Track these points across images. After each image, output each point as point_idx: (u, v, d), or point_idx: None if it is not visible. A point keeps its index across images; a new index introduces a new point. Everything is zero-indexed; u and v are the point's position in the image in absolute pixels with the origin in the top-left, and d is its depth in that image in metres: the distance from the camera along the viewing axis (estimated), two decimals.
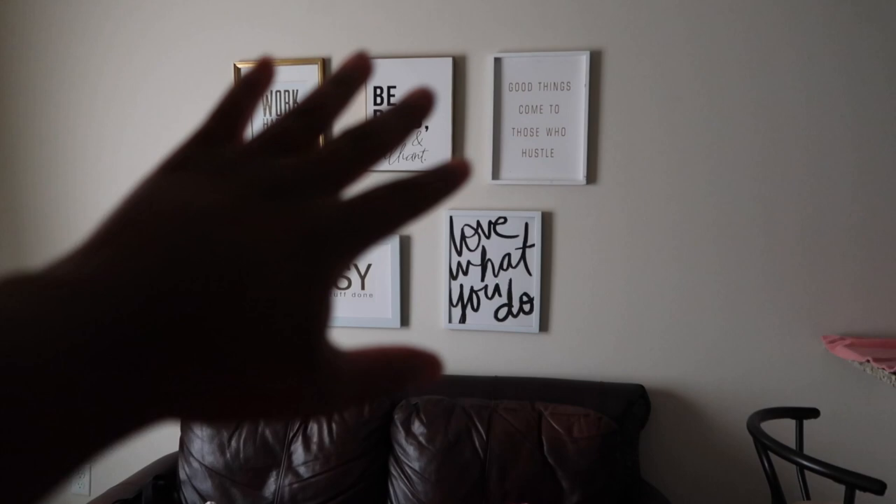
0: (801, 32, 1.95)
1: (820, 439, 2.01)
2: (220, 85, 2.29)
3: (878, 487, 1.38)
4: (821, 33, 1.94)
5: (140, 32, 2.31)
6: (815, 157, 1.98)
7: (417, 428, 1.92)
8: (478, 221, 2.16)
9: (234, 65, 2.26)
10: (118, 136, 2.37)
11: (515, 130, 2.14)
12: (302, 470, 1.93)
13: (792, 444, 1.93)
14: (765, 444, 1.59)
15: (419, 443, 1.90)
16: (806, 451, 1.96)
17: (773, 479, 1.63)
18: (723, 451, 2.08)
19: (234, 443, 1.98)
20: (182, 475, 2.02)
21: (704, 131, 2.03)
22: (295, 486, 1.91)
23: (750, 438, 2.04)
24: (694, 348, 2.08)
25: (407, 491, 1.88)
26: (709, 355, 2.07)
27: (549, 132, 2.12)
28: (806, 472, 1.93)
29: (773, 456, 1.64)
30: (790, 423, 1.99)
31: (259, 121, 2.26)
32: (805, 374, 2.02)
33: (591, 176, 2.10)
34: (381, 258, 2.23)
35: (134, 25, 2.31)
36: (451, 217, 2.17)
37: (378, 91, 2.18)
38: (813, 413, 1.89)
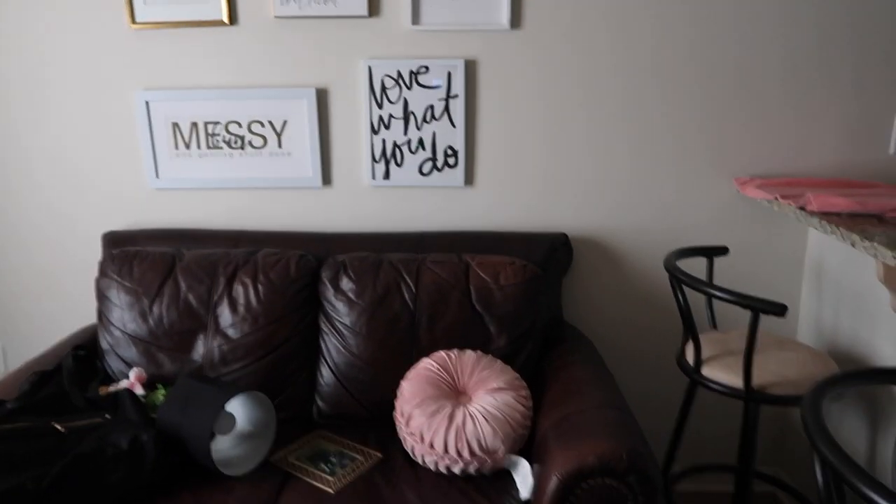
0: None
1: (729, 275, 2.15)
2: (109, 13, 1.99)
3: (779, 310, 1.49)
4: None
5: None
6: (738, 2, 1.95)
7: (346, 284, 1.91)
8: (398, 71, 2.05)
9: None
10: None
11: None
12: (230, 332, 1.90)
13: (703, 277, 2.05)
14: (678, 279, 1.68)
15: (348, 298, 1.90)
16: None
17: (686, 311, 1.74)
18: (640, 291, 2.19)
19: (155, 309, 1.92)
20: (104, 345, 1.96)
21: None
22: (224, 347, 1.89)
23: (665, 280, 2.16)
24: (613, 195, 2.12)
25: (339, 345, 1.90)
26: (627, 201, 2.13)
27: None
28: (714, 304, 2.08)
29: (686, 290, 1.74)
30: (703, 264, 2.11)
31: None
32: (717, 215, 2.11)
33: (516, 20, 2.01)
34: (297, 113, 2.10)
35: None
36: (369, 67, 2.05)
37: None
38: (722, 251, 2.01)
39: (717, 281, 2.14)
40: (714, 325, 2.02)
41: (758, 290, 2.15)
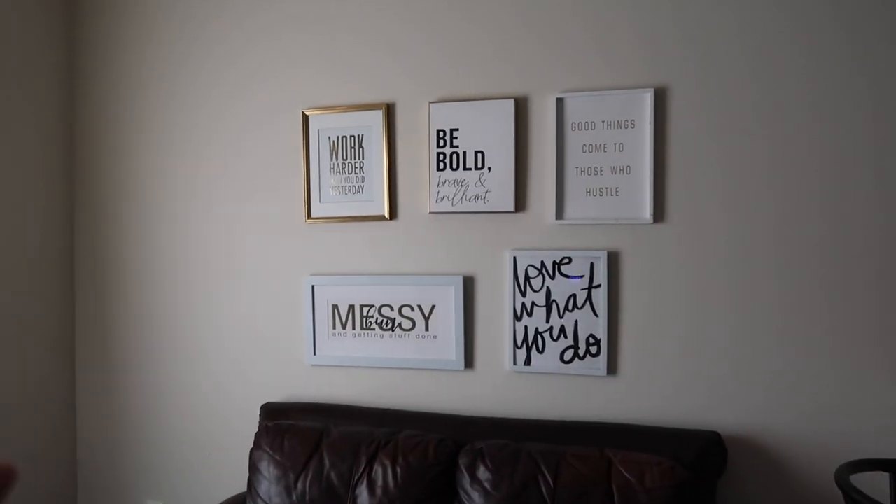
0: (869, 68, 1.87)
1: None
2: (289, 131, 2.36)
3: None
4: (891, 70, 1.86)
5: (211, 80, 2.43)
6: (893, 191, 1.88)
7: (483, 473, 1.89)
8: (542, 262, 2.14)
9: (303, 112, 2.33)
10: (192, 176, 2.48)
11: (579, 170, 2.12)
12: None
13: (886, 499, 1.79)
14: (855, 500, 1.48)
15: (484, 489, 1.86)
16: None
17: None
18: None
19: (300, 485, 1.99)
20: None
21: (776, 165, 1.96)
22: None
23: (839, 492, 1.91)
24: (774, 393, 1.97)
25: None
26: (791, 400, 1.96)
27: (613, 171, 2.10)
28: None
29: None
30: (883, 477, 1.85)
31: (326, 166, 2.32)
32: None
33: (659, 214, 2.06)
34: (444, 299, 2.23)
35: (206, 74, 2.44)
36: (514, 257, 2.15)
37: (441, 134, 2.21)
38: None
39: None
40: None
41: None
